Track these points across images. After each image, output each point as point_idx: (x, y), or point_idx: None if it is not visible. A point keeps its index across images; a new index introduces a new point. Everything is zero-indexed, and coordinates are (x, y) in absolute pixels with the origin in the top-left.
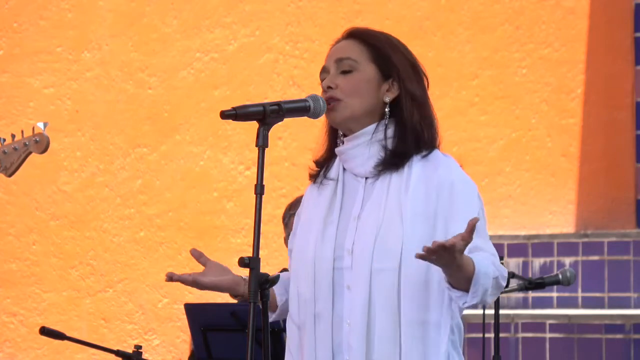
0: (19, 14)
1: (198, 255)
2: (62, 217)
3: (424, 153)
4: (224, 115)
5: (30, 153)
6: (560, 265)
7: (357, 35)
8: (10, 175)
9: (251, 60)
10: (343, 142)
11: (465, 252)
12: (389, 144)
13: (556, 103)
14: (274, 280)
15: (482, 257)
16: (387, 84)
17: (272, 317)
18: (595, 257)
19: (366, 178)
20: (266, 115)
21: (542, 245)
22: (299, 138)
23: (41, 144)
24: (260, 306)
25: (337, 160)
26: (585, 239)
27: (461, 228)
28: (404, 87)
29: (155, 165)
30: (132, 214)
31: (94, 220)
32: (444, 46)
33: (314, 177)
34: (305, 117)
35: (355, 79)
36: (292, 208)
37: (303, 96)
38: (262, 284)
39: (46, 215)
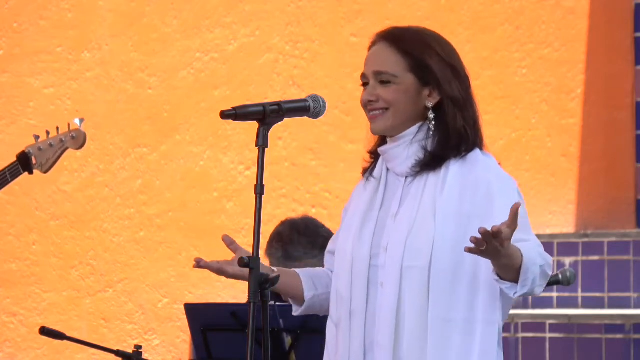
0: (19, 14)
1: (230, 242)
2: (62, 217)
3: (462, 153)
4: (224, 115)
5: (66, 149)
6: (560, 265)
7: (391, 39)
8: (46, 172)
9: (251, 60)
10: (387, 142)
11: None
12: (429, 144)
13: (556, 103)
14: (274, 280)
15: (528, 246)
16: (428, 90)
17: (297, 312)
18: (595, 257)
19: (406, 177)
20: (266, 115)
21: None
22: (299, 138)
23: (78, 140)
24: (261, 306)
25: (381, 159)
26: (585, 239)
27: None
28: (444, 92)
29: (155, 165)
30: (132, 214)
31: (94, 220)
32: None
33: (365, 171)
34: (305, 117)
35: (394, 90)
36: (267, 245)
37: (303, 96)
38: (262, 283)
39: (46, 215)
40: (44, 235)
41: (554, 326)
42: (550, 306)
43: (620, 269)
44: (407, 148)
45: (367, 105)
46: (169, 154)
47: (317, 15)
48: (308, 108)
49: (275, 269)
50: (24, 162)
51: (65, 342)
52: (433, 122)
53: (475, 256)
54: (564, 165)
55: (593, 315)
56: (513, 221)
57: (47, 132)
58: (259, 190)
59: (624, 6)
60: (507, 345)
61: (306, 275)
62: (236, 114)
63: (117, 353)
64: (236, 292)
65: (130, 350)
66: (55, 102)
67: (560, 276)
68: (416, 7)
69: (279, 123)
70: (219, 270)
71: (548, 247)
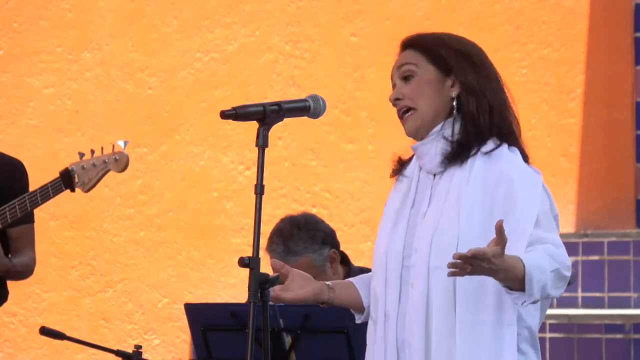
0: (19, 14)
1: (279, 267)
2: (62, 217)
3: (490, 147)
4: (224, 115)
5: (108, 171)
6: None
7: (409, 43)
8: (87, 191)
9: (251, 60)
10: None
11: (528, 244)
12: (454, 137)
13: (556, 103)
14: (274, 280)
15: (535, 253)
16: (450, 80)
17: (360, 319)
18: (595, 257)
19: (434, 175)
20: (266, 115)
21: None
22: (299, 138)
23: (120, 163)
24: (261, 306)
25: (414, 157)
26: (585, 239)
27: (515, 225)
28: (460, 81)
29: (155, 165)
30: (132, 214)
31: (94, 220)
32: None
33: (394, 173)
34: (305, 117)
35: (417, 83)
36: (267, 243)
37: (303, 96)
38: (262, 283)
39: (46, 215)
40: (44, 235)
41: (554, 326)
42: (550, 306)
43: (620, 269)
44: (435, 143)
45: (395, 105)
46: (169, 154)
47: (317, 15)
48: (308, 108)
49: (329, 283)
50: (67, 179)
51: (65, 342)
52: (455, 111)
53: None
54: (564, 165)
55: (593, 315)
56: (500, 237)
57: (92, 151)
58: (259, 190)
59: (624, 6)
60: None
61: (361, 283)
62: (236, 114)
63: (117, 353)
64: (236, 292)
65: (130, 350)
66: (55, 102)
67: None
68: (416, 7)
69: (279, 123)
70: (276, 298)
71: None
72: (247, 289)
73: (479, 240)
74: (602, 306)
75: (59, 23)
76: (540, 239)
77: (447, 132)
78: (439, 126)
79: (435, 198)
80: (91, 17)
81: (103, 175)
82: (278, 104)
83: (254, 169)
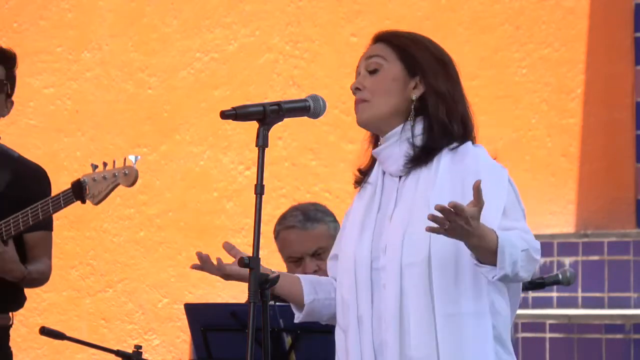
0: (19, 14)
1: (229, 248)
2: (62, 217)
3: (454, 145)
4: (224, 115)
5: (118, 185)
6: (560, 265)
7: (383, 37)
8: (97, 204)
9: (251, 60)
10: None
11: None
12: (418, 140)
13: (556, 103)
14: (274, 280)
15: (510, 232)
16: (414, 82)
17: (298, 318)
18: (595, 257)
19: (400, 177)
20: (266, 115)
21: (542, 245)
22: (299, 138)
23: (129, 177)
24: (261, 306)
25: (377, 163)
26: (585, 239)
27: (488, 215)
28: (428, 83)
29: (155, 165)
30: (132, 214)
31: (94, 220)
32: (444, 46)
33: (357, 183)
34: (305, 117)
35: (381, 77)
36: (281, 224)
37: (303, 96)
38: (262, 283)
39: None
40: None
41: (554, 326)
42: (550, 306)
43: (620, 269)
44: (397, 146)
45: (354, 93)
46: (169, 154)
47: (317, 15)
48: (308, 108)
49: (275, 271)
50: (78, 191)
51: (65, 342)
52: (413, 113)
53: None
54: (564, 165)
55: (593, 315)
56: (477, 199)
57: (105, 164)
58: (259, 190)
59: (624, 6)
60: None
61: (307, 280)
62: (236, 114)
63: (117, 353)
64: (236, 292)
65: (130, 350)
66: (55, 102)
67: (560, 276)
68: (416, 7)
69: (279, 123)
70: (219, 268)
71: (548, 247)
72: (247, 289)
73: (447, 239)
74: (602, 306)
75: (59, 23)
76: (508, 228)
77: (409, 134)
78: (399, 127)
79: (402, 200)
80: (91, 17)
81: (113, 189)
82: (278, 104)
83: (254, 169)
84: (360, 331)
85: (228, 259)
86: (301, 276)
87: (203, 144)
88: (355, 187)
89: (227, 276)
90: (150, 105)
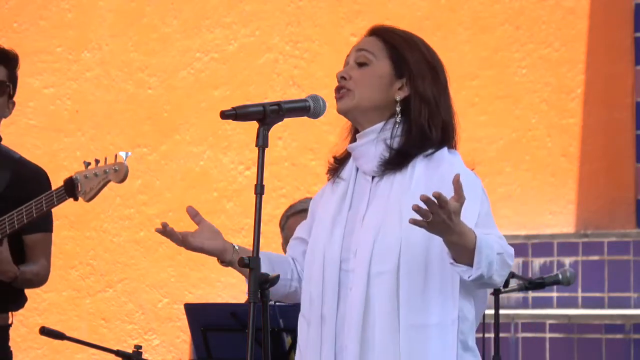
0: (19, 14)
1: (193, 214)
2: (62, 217)
3: (429, 152)
4: (224, 115)
5: (109, 181)
6: (560, 265)
7: (378, 32)
8: (88, 200)
9: (251, 60)
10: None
11: None
12: (395, 143)
13: (556, 103)
14: (274, 280)
15: (486, 235)
16: (400, 82)
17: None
18: (595, 257)
19: (373, 177)
20: (266, 115)
21: (542, 245)
22: (299, 138)
23: (119, 174)
24: (261, 306)
25: (351, 159)
26: (585, 239)
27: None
28: (414, 86)
29: (155, 165)
30: (132, 214)
31: (94, 220)
32: (444, 46)
33: (330, 173)
34: (305, 117)
35: (368, 72)
36: (289, 211)
37: (303, 96)
38: (262, 283)
39: None
40: None
41: (554, 326)
42: (550, 306)
43: (620, 269)
44: (374, 145)
45: (339, 81)
46: (169, 154)
47: (317, 15)
48: (308, 108)
49: (236, 245)
50: (70, 188)
51: (65, 342)
52: (399, 116)
53: (443, 255)
54: (564, 165)
55: (593, 315)
56: (458, 193)
57: (97, 161)
58: (259, 190)
59: (624, 6)
60: (507, 345)
61: (266, 257)
62: (236, 114)
63: (117, 353)
64: (236, 292)
65: (130, 350)
66: (55, 102)
67: (560, 276)
68: (416, 7)
69: (279, 123)
70: (183, 241)
71: (548, 247)
72: (247, 289)
73: (422, 247)
74: (602, 306)
75: (59, 23)
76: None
77: (387, 134)
78: (379, 126)
79: (374, 201)
80: (91, 17)
81: (104, 186)
82: (278, 104)
83: (254, 169)
84: (322, 330)
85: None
86: (262, 253)
87: (203, 144)
88: (327, 176)
89: (190, 248)
90: (150, 105)
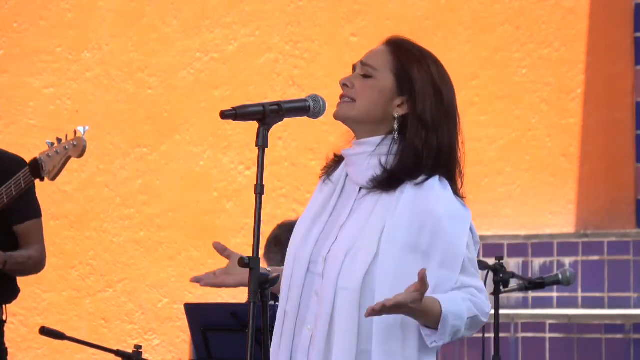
0: (19, 14)
1: (222, 249)
2: (62, 217)
3: (420, 180)
4: (224, 115)
5: (69, 157)
6: (560, 265)
7: (392, 44)
8: (53, 179)
9: (251, 60)
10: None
11: (452, 289)
12: (389, 161)
13: (556, 103)
14: (274, 280)
15: (455, 296)
16: (401, 100)
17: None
18: (595, 257)
19: (360, 189)
20: (266, 115)
21: (542, 245)
22: (299, 138)
23: (78, 148)
24: (261, 306)
25: (343, 163)
26: (585, 239)
27: (436, 268)
28: (414, 106)
29: (155, 165)
30: (132, 214)
31: (94, 220)
32: (444, 46)
33: (325, 170)
34: (305, 117)
35: (371, 84)
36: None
37: (303, 96)
38: (262, 283)
39: (46, 215)
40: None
41: (554, 326)
42: (550, 306)
43: (620, 269)
44: (368, 158)
45: (342, 88)
46: (169, 154)
47: (317, 15)
48: (308, 108)
49: (269, 269)
50: (35, 169)
51: (65, 342)
52: (397, 133)
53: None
54: (564, 165)
55: (593, 315)
56: (421, 286)
57: (59, 140)
58: (259, 190)
59: (624, 6)
60: (507, 345)
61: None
62: (236, 114)
63: (117, 353)
64: (236, 292)
65: (130, 350)
66: (55, 102)
67: (560, 276)
68: (416, 7)
69: (279, 123)
70: (222, 284)
71: (548, 247)
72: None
73: (392, 272)
74: (602, 306)
75: (59, 23)
76: (465, 284)
77: (384, 150)
78: (377, 139)
79: (355, 214)
80: (91, 17)
81: (65, 162)
82: (278, 104)
83: (254, 169)
84: (283, 326)
85: (226, 260)
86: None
87: (203, 144)
88: (321, 172)
89: (233, 285)
90: (150, 105)
